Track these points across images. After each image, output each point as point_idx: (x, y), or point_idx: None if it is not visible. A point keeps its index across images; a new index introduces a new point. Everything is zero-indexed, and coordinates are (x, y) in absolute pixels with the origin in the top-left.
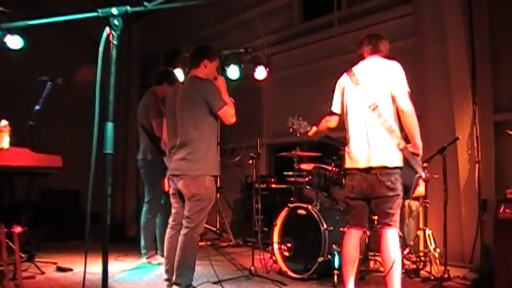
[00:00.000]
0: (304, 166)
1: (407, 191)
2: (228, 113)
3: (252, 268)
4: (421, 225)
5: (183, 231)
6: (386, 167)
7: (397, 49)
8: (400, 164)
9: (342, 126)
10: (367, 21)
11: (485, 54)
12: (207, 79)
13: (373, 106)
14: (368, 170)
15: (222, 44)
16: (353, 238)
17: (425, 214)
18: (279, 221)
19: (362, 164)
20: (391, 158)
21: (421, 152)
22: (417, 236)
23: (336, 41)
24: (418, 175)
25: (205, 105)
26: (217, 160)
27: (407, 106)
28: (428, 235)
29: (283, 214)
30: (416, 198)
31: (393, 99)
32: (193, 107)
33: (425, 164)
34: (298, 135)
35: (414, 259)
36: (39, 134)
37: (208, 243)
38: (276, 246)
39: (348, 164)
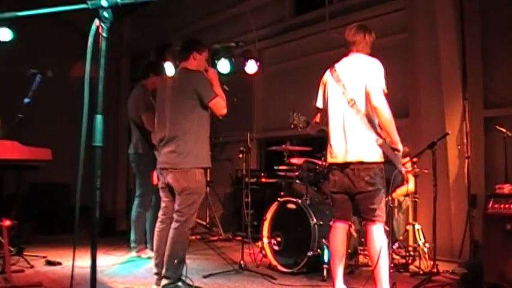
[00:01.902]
0: (294, 160)
1: (392, 187)
2: (219, 105)
3: (242, 262)
4: (410, 220)
5: (174, 224)
6: (363, 162)
7: (388, 44)
8: (379, 159)
9: None
10: (358, 16)
11: (476, 50)
12: (197, 70)
13: (352, 102)
14: (346, 165)
15: (213, 37)
16: (339, 232)
17: (415, 209)
18: (269, 215)
19: (340, 159)
20: (368, 153)
21: (400, 147)
22: (406, 231)
23: (327, 36)
24: (396, 171)
25: (195, 97)
26: (208, 152)
27: (379, 102)
28: (418, 230)
29: (273, 208)
30: (407, 194)
31: (367, 95)
32: (184, 98)
33: (415, 159)
34: (299, 129)
35: (403, 254)
36: (28, 127)
37: (198, 237)
38: (265, 240)
39: (329, 159)
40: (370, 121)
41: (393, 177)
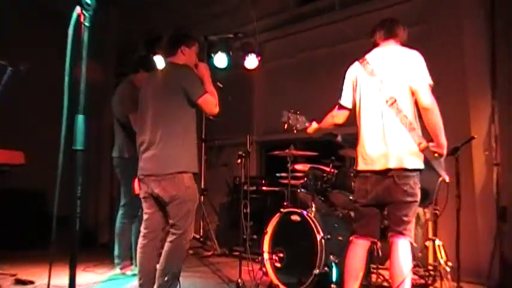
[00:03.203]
0: (299, 167)
1: (426, 197)
2: (209, 102)
3: (240, 281)
4: (430, 235)
5: (170, 238)
6: (405, 169)
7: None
8: (420, 166)
9: (350, 122)
10: (371, 5)
11: (507, 43)
12: (185, 65)
13: (391, 100)
14: (385, 172)
15: (208, 29)
16: (360, 249)
17: (435, 222)
18: (270, 228)
19: (378, 166)
20: (411, 159)
21: (445, 153)
22: (426, 248)
23: (336, 28)
24: (441, 179)
25: (182, 94)
26: (196, 156)
27: (429, 102)
28: (439, 246)
29: (274, 220)
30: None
31: (413, 93)
32: (169, 95)
33: None
34: (295, 131)
35: (422, 273)
36: None
37: (191, 252)
38: (266, 256)
39: (361, 166)
40: (412, 122)
41: (438, 186)
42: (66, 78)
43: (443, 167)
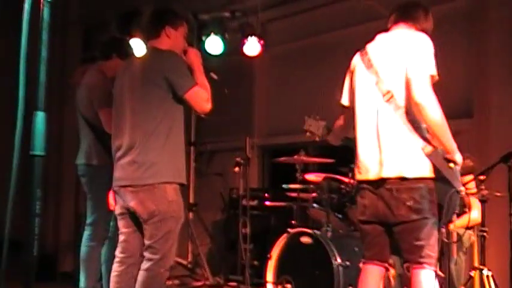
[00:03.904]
0: (310, 177)
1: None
2: (200, 97)
3: None
4: (476, 263)
5: (145, 265)
6: (404, 179)
7: (446, 14)
8: (426, 174)
9: None
10: None
11: None
12: (170, 51)
13: (389, 95)
14: (380, 182)
15: (198, 5)
16: (371, 277)
17: (483, 248)
18: (275, 253)
19: (372, 175)
20: (412, 167)
21: (458, 159)
22: (471, 278)
23: (357, 3)
24: (453, 190)
25: (165, 86)
26: (183, 163)
27: (422, 95)
28: (487, 277)
29: (280, 243)
30: (470, 227)
31: (407, 84)
32: (149, 88)
33: (481, 177)
34: (317, 139)
35: None
36: None
37: (176, 282)
38: (270, 286)
39: (358, 175)
40: (414, 121)
41: (448, 199)
42: (22, 67)
43: (458, 177)
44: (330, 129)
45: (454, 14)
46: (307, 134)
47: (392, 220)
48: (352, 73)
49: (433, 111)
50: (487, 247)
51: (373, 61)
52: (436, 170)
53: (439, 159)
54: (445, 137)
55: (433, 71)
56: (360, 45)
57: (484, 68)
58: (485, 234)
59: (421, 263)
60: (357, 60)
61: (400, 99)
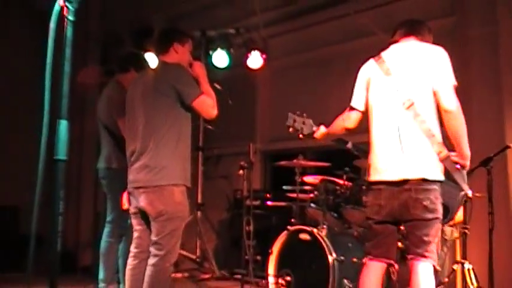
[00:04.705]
0: (308, 179)
1: (448, 213)
2: (206, 104)
3: None
4: (458, 258)
5: (151, 260)
6: (425, 180)
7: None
8: (441, 177)
9: (363, 129)
10: None
11: None
12: (177, 63)
13: (409, 103)
14: (401, 183)
15: (206, 22)
16: (375, 273)
17: (464, 243)
18: (276, 248)
19: (393, 176)
20: (431, 170)
21: (468, 164)
22: (453, 271)
23: (352, 21)
24: (463, 193)
25: (174, 96)
26: (189, 167)
27: (452, 105)
28: (468, 270)
29: (281, 239)
30: (453, 224)
31: (434, 95)
32: (159, 98)
33: None
34: (301, 136)
35: None
36: None
37: (186, 274)
38: (271, 280)
39: (373, 177)
40: (431, 128)
41: (457, 201)
42: (47, 79)
43: (466, 180)
44: (318, 127)
45: (439, 31)
46: (290, 129)
47: (407, 217)
48: (367, 80)
49: (461, 118)
50: (468, 243)
51: (392, 69)
52: (446, 173)
53: (451, 163)
54: (464, 143)
55: (455, 82)
56: (354, 58)
57: (466, 78)
58: (466, 231)
59: (425, 256)
60: (372, 67)
61: (419, 107)
